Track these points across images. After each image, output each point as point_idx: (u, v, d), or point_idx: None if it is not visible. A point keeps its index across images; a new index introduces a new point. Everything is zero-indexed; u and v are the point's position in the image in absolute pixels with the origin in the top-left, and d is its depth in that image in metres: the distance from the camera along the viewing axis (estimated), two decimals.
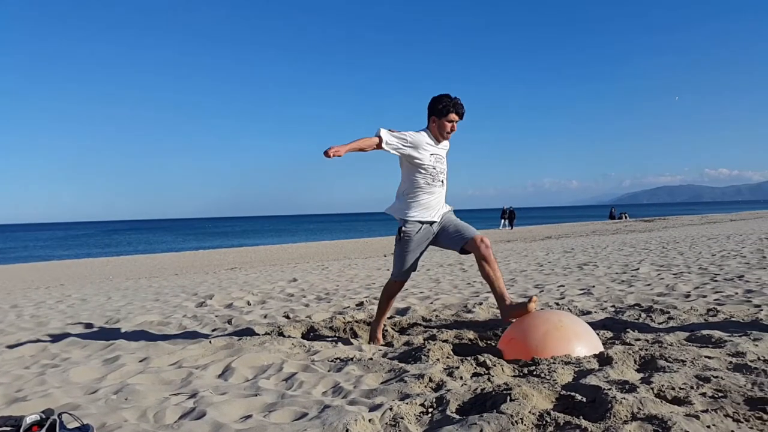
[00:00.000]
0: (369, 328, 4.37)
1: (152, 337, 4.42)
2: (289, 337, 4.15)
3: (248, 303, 6.30)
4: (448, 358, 3.24)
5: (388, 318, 4.91)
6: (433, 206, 3.71)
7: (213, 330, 4.70)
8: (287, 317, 5.17)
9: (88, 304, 7.20)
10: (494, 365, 2.96)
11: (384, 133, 3.50)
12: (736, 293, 5.15)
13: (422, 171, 3.63)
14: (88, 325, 5.19)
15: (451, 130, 3.68)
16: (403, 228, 3.69)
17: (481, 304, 5.31)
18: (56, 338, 4.47)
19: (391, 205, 3.83)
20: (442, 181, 3.73)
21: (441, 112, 3.63)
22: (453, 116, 3.64)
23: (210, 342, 3.93)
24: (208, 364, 3.40)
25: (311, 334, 4.28)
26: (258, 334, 4.31)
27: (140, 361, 3.56)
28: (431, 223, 3.71)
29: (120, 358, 3.61)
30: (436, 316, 4.85)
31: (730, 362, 2.84)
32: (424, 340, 3.83)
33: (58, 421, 2.23)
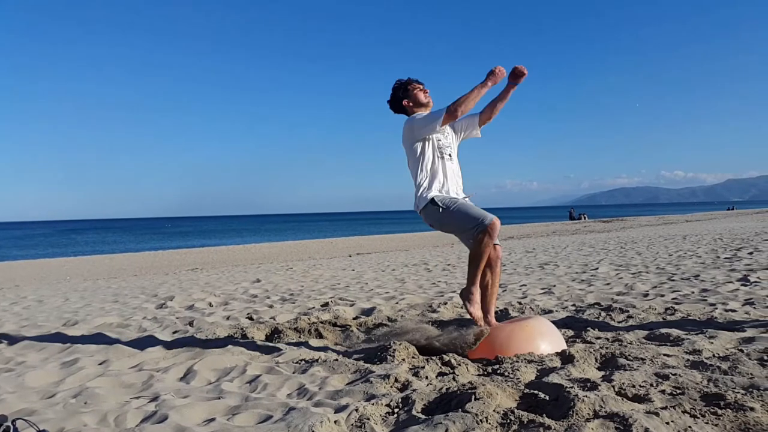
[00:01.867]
0: (334, 328, 4.36)
1: (112, 339, 4.30)
2: (253, 338, 4.10)
3: (210, 304, 6.20)
4: (413, 358, 3.24)
5: (354, 318, 4.90)
6: (450, 183, 3.56)
7: (174, 332, 4.61)
8: (251, 319, 5.10)
9: (44, 305, 6.98)
10: (459, 364, 2.98)
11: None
12: (693, 292, 5.30)
13: (428, 148, 3.56)
14: (45, 328, 5.03)
15: (425, 93, 3.72)
16: (436, 200, 3.47)
17: (445, 303, 5.34)
18: (11, 341, 4.31)
19: (416, 203, 3.62)
20: (450, 155, 3.63)
21: (407, 92, 3.68)
22: (416, 85, 3.70)
23: (171, 344, 3.85)
24: (169, 366, 3.33)
25: (275, 335, 4.24)
26: (220, 336, 4.25)
27: (99, 364, 3.47)
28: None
29: (78, 361, 3.51)
30: (402, 316, 4.86)
31: (688, 360, 2.92)
32: (390, 339, 3.83)
33: (12, 427, 2.16)
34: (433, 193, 3.49)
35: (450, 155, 3.61)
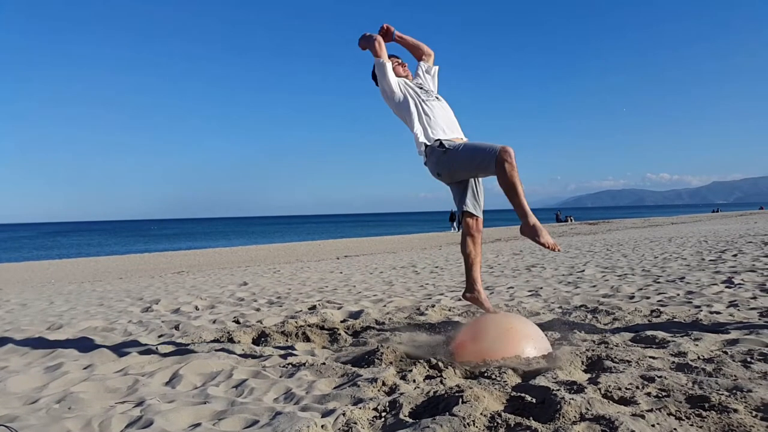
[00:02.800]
0: (322, 332, 4.34)
1: (96, 343, 4.26)
2: (240, 342, 4.07)
3: (196, 308, 6.16)
4: (401, 361, 3.24)
5: (341, 321, 4.89)
6: (447, 124, 3.55)
7: (159, 336, 4.58)
8: (237, 322, 5.07)
9: (28, 309, 6.90)
10: (446, 368, 2.98)
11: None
12: (678, 294, 5.34)
13: (411, 97, 3.58)
14: (28, 332, 4.97)
15: (404, 66, 3.84)
16: (443, 142, 3.44)
17: (433, 306, 5.34)
18: None
19: (420, 151, 3.57)
20: (437, 98, 3.67)
21: None
22: (394, 60, 3.81)
23: (156, 348, 3.82)
24: (155, 371, 3.30)
25: (262, 339, 4.22)
26: (207, 340, 4.22)
27: (84, 369, 3.43)
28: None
29: (62, 366, 3.46)
30: (389, 319, 4.85)
31: (673, 362, 2.94)
32: (378, 343, 3.82)
33: None
34: (438, 134, 3.49)
35: (437, 97, 3.68)
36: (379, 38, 3.65)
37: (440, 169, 3.48)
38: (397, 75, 3.75)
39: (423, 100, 3.58)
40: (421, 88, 3.71)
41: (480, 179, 3.59)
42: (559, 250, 3.17)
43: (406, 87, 3.64)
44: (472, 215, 3.51)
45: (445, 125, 3.54)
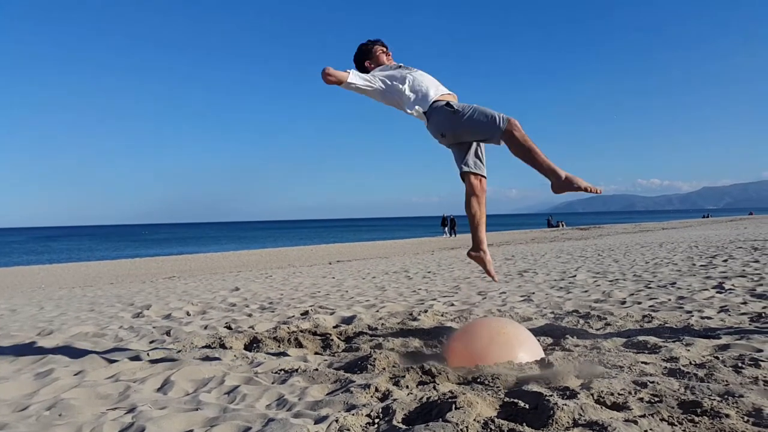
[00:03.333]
0: (314, 337, 4.33)
1: (87, 349, 4.22)
2: (231, 348, 4.05)
3: (188, 313, 6.13)
4: (394, 367, 3.23)
5: (334, 327, 4.88)
6: (435, 85, 3.55)
7: (151, 342, 4.55)
8: (229, 328, 5.05)
9: (18, 315, 6.84)
10: (439, 373, 2.98)
11: (353, 73, 3.51)
12: (669, 299, 5.37)
13: (394, 78, 3.57)
14: (18, 338, 4.93)
15: (388, 56, 3.82)
16: (451, 103, 3.40)
17: (426, 311, 5.34)
18: None
19: (422, 112, 3.51)
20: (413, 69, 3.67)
21: (370, 53, 3.79)
22: (379, 48, 3.80)
23: (148, 354, 3.80)
24: (146, 377, 3.27)
25: (254, 345, 4.20)
26: (198, 346, 4.19)
27: (75, 375, 3.40)
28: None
29: (53, 372, 3.43)
30: (382, 324, 4.84)
31: (665, 367, 2.95)
32: (371, 349, 3.81)
33: None
34: (434, 94, 3.48)
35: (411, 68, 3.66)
36: (327, 69, 3.45)
37: (445, 130, 3.43)
38: (381, 63, 3.76)
39: (407, 72, 3.58)
40: (399, 67, 3.68)
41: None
42: (601, 191, 3.11)
43: (383, 73, 3.62)
44: (477, 175, 3.44)
45: (434, 86, 3.55)
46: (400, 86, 3.53)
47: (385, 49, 3.85)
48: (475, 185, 3.44)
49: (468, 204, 3.47)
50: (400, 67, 3.71)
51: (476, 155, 3.48)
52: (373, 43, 3.81)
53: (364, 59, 3.81)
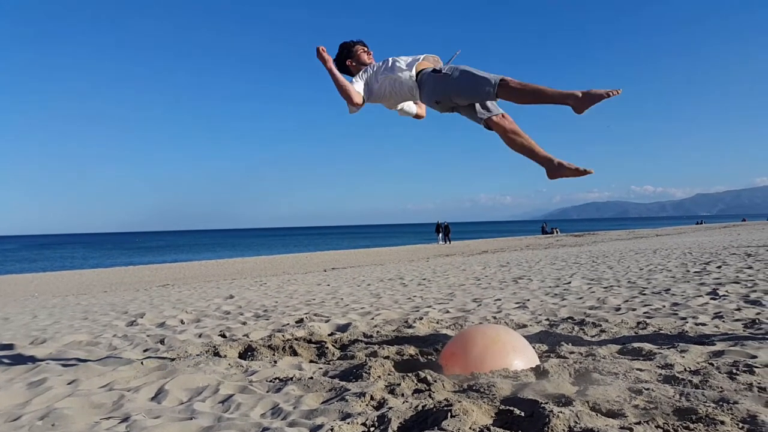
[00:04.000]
0: (309, 345, 4.31)
1: (81, 358, 4.20)
2: (226, 356, 4.03)
3: (182, 321, 6.10)
4: (389, 375, 3.22)
5: (329, 335, 4.86)
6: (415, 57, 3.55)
7: (145, 350, 4.52)
8: (223, 336, 5.03)
9: (11, 323, 6.80)
10: (435, 381, 2.97)
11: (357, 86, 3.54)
12: (664, 306, 5.38)
13: (381, 73, 3.55)
14: (11, 347, 4.89)
15: (369, 54, 3.80)
16: (435, 68, 3.38)
17: (421, 318, 5.33)
18: None
19: (417, 91, 3.47)
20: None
21: (351, 53, 3.78)
22: (359, 47, 3.79)
23: (142, 363, 3.78)
24: (140, 386, 3.25)
25: (249, 353, 4.18)
26: (192, 355, 4.17)
27: (68, 384, 3.37)
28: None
29: (46, 381, 3.40)
30: (377, 331, 4.83)
31: (660, 374, 2.96)
32: (366, 357, 3.80)
33: None
34: (426, 60, 3.48)
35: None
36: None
37: (437, 96, 3.36)
38: (362, 62, 3.75)
39: (393, 62, 3.55)
40: (382, 63, 3.65)
41: None
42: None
43: (371, 72, 3.60)
44: (497, 115, 3.31)
45: (413, 58, 3.52)
46: (393, 74, 3.48)
47: (366, 49, 3.82)
48: (503, 124, 3.30)
49: (511, 142, 3.31)
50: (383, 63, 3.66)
51: (484, 106, 3.35)
52: (355, 43, 3.80)
53: (346, 58, 3.79)
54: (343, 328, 5.13)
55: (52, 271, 29.17)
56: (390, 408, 2.56)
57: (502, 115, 3.32)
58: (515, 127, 3.31)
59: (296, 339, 4.61)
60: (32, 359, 4.18)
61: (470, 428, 2.22)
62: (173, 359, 3.96)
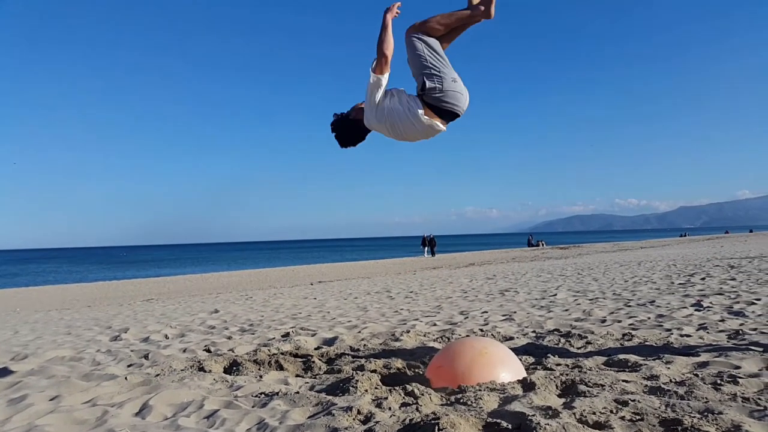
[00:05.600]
0: (295, 360, 4.29)
1: (64, 373, 4.14)
2: (211, 372, 3.99)
3: (166, 336, 6.04)
4: (376, 388, 3.21)
5: (315, 349, 4.83)
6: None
7: (129, 365, 4.47)
8: (208, 351, 4.98)
9: None
10: (422, 394, 2.96)
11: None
12: (649, 318, 5.41)
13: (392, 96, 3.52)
14: None
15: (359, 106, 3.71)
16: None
17: (408, 332, 5.32)
18: None
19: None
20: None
21: (347, 118, 3.67)
22: (349, 112, 3.70)
23: (126, 378, 3.73)
24: (124, 401, 3.21)
25: (234, 368, 4.14)
26: (177, 370, 4.12)
27: (50, 400, 3.32)
28: None
29: (27, 397, 3.35)
30: (364, 345, 4.81)
31: (646, 385, 2.97)
32: (353, 370, 3.78)
33: None
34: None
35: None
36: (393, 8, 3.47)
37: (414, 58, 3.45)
38: (358, 107, 3.64)
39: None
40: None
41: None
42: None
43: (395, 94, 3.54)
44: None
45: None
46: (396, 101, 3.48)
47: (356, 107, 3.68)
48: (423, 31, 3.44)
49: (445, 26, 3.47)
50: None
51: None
52: (344, 114, 3.69)
53: (351, 125, 3.67)
54: (329, 342, 5.11)
55: (35, 285, 28.78)
56: (377, 422, 2.55)
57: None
58: (431, 23, 3.45)
59: (282, 353, 4.57)
60: (13, 375, 4.10)
61: None
62: (158, 374, 3.92)
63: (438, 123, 3.46)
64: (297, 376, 3.87)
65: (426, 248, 41.46)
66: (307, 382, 3.57)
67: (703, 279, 8.76)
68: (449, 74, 3.40)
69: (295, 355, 4.48)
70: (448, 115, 3.45)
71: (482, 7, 3.43)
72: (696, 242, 37.27)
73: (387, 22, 3.42)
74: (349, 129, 3.70)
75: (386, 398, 2.92)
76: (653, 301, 6.54)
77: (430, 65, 3.38)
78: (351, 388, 3.17)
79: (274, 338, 5.48)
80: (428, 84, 3.36)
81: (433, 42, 3.44)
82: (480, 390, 2.95)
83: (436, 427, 2.33)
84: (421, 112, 3.40)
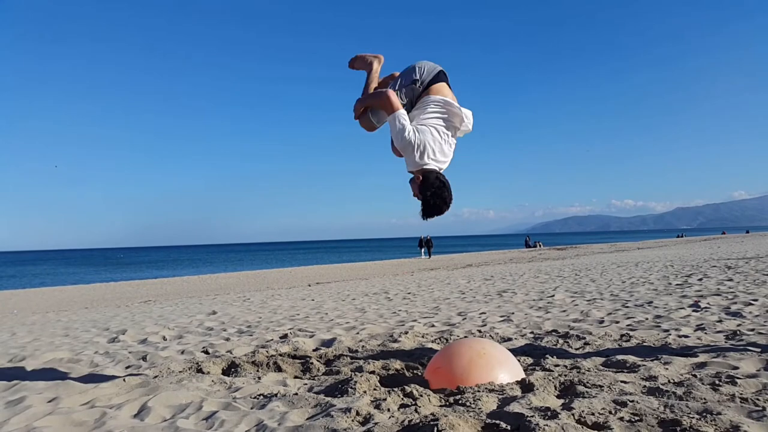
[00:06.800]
0: (294, 361, 4.28)
1: (62, 375, 4.13)
2: (209, 373, 3.99)
3: (164, 338, 6.03)
4: (375, 390, 3.21)
5: (314, 350, 4.83)
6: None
7: (127, 367, 4.46)
8: (206, 352, 4.97)
9: None
10: (421, 395, 2.96)
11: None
12: (647, 318, 5.42)
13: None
14: None
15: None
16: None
17: (406, 333, 5.32)
18: None
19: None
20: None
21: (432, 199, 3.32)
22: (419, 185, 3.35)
23: (124, 380, 3.72)
24: (122, 403, 3.21)
25: (232, 369, 4.14)
26: (175, 371, 4.12)
27: (49, 402, 3.31)
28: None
29: (26, 399, 3.34)
30: (363, 346, 4.81)
31: (644, 386, 2.97)
32: (351, 372, 3.78)
33: None
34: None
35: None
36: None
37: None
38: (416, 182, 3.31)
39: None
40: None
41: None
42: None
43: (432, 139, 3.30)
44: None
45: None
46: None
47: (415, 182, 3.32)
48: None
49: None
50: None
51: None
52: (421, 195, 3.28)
53: (436, 202, 3.24)
54: (328, 344, 5.10)
55: (32, 287, 28.70)
56: (376, 423, 2.54)
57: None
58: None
59: (280, 355, 4.57)
60: (11, 377, 4.09)
61: None
62: (156, 376, 3.92)
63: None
64: (295, 377, 3.87)
65: (423, 249, 41.45)
66: (306, 384, 3.57)
67: (700, 280, 8.78)
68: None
69: (294, 357, 4.48)
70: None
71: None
72: (693, 243, 37.35)
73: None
74: (429, 195, 3.24)
75: (385, 399, 2.92)
76: (651, 302, 6.55)
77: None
78: (350, 389, 3.16)
79: (272, 340, 5.48)
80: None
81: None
82: (479, 391, 2.95)
83: (435, 429, 2.33)
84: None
